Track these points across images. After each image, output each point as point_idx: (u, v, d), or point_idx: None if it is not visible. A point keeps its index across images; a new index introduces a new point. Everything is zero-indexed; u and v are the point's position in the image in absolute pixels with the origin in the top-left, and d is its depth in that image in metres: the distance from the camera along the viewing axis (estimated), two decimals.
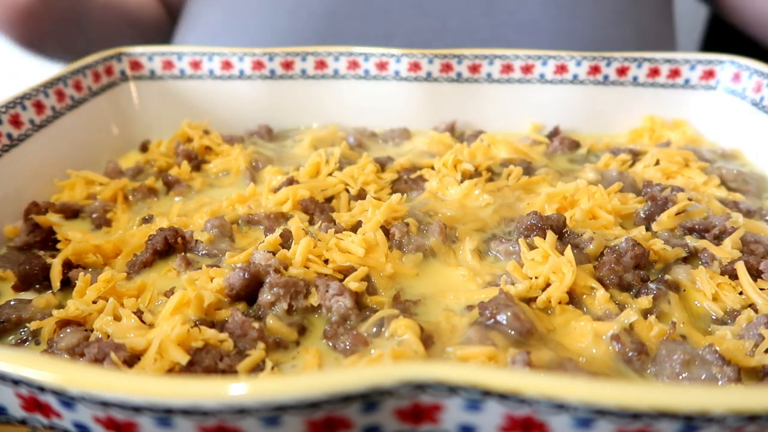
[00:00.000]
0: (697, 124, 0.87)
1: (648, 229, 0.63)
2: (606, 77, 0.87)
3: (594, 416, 0.29)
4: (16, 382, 0.32)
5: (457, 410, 0.32)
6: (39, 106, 0.72)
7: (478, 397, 0.30)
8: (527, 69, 0.87)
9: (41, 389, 0.32)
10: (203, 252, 0.61)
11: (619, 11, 1.05)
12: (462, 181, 0.71)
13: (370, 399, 0.31)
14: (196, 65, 0.88)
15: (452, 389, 0.31)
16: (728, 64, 0.84)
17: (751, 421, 0.28)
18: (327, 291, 0.53)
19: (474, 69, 0.87)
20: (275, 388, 0.30)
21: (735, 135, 0.83)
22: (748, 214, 0.66)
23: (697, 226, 0.62)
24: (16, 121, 0.69)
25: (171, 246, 0.61)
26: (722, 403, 0.28)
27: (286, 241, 0.60)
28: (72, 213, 0.69)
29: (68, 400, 0.32)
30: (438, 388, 0.31)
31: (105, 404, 0.31)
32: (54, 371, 0.31)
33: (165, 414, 0.30)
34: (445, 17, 1.02)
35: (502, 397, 0.30)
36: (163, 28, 1.23)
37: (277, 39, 1.01)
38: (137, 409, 0.31)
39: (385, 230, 0.61)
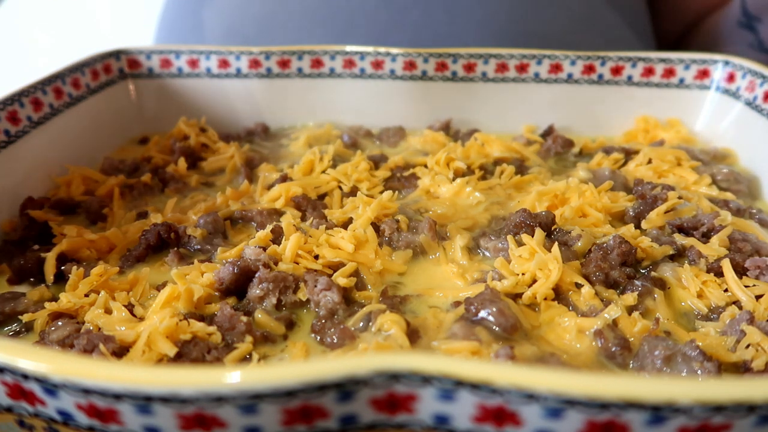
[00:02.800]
0: (691, 124, 0.87)
1: (638, 227, 0.64)
2: (600, 76, 0.87)
3: (563, 406, 0.30)
4: (0, 370, 0.33)
5: (432, 400, 0.32)
6: (37, 104, 0.73)
7: (450, 387, 0.31)
8: (522, 68, 0.87)
9: (25, 377, 0.32)
10: (196, 247, 0.62)
11: (587, 15, 1.04)
12: (454, 179, 0.71)
13: (345, 388, 0.31)
14: (193, 63, 0.89)
15: (426, 379, 0.31)
16: (722, 64, 0.84)
17: (717, 412, 0.29)
18: (315, 286, 0.53)
19: (469, 68, 0.87)
20: (251, 377, 0.30)
21: (728, 135, 0.83)
22: (738, 212, 0.66)
23: (685, 224, 0.62)
24: (13, 118, 0.70)
25: (164, 241, 0.62)
26: (688, 394, 0.29)
27: (278, 237, 0.61)
28: (68, 208, 0.69)
29: (51, 388, 0.32)
30: (412, 378, 0.31)
31: (86, 392, 0.32)
32: (36, 359, 0.32)
33: (144, 401, 0.31)
34: (406, 10, 1.01)
35: (474, 387, 0.30)
36: None
37: None
38: (118, 397, 0.31)
39: (376, 227, 0.62)
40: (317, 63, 0.89)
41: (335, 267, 0.56)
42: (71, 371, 0.31)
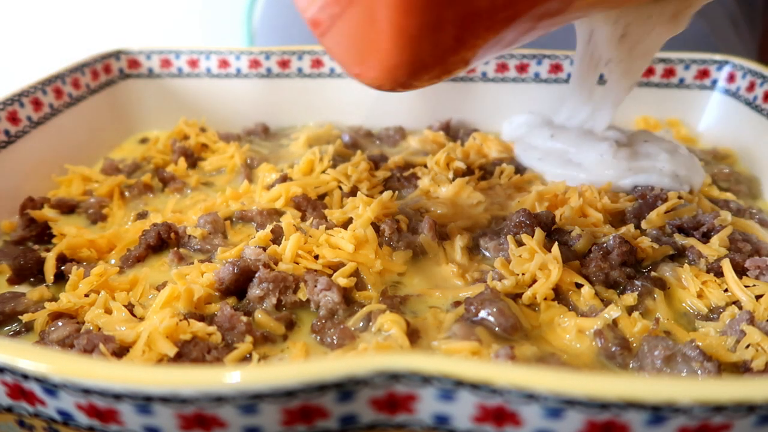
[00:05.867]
0: (691, 124, 0.88)
1: (638, 227, 0.64)
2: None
3: (563, 406, 0.30)
4: (0, 370, 0.33)
5: (432, 400, 0.32)
6: (37, 104, 0.73)
7: (450, 387, 0.31)
8: (522, 68, 0.87)
9: (25, 377, 0.32)
10: (196, 247, 0.62)
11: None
12: (454, 179, 0.71)
13: (345, 388, 0.31)
14: (193, 63, 0.89)
15: (426, 379, 0.31)
16: (722, 64, 0.84)
17: (717, 412, 0.29)
18: (315, 286, 0.53)
19: None
20: (251, 377, 0.30)
21: (729, 135, 0.83)
22: (738, 212, 0.66)
23: (685, 224, 0.62)
24: (13, 118, 0.70)
25: (164, 241, 0.62)
26: (688, 394, 0.29)
27: (278, 237, 0.61)
28: (68, 208, 0.70)
29: (51, 388, 0.32)
30: (412, 378, 0.31)
31: (86, 392, 0.32)
32: (36, 359, 0.32)
33: (144, 401, 0.31)
34: None
35: (474, 387, 0.30)
36: None
37: None
38: (118, 397, 0.31)
39: (376, 227, 0.62)
40: (317, 63, 0.89)
41: (335, 267, 0.56)
42: (71, 371, 0.31)
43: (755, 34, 1.15)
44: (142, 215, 0.68)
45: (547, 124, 0.79)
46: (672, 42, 1.00)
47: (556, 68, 0.87)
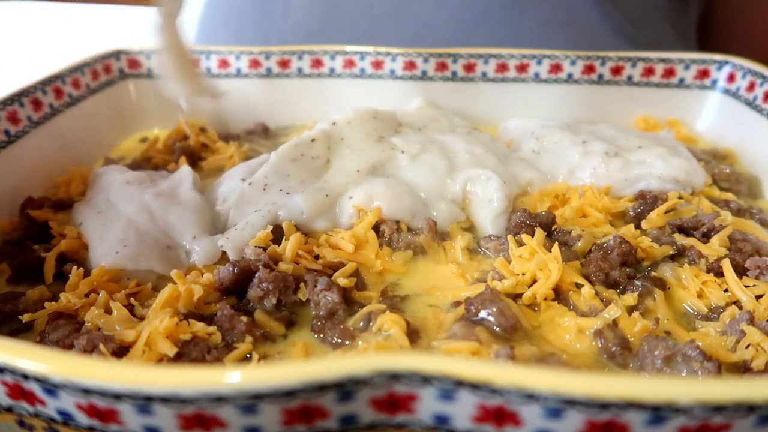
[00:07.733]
0: (691, 124, 0.88)
1: (638, 227, 0.64)
2: (600, 76, 0.87)
3: (563, 406, 0.30)
4: (0, 370, 0.33)
5: (431, 400, 0.32)
6: (37, 104, 0.73)
7: (450, 387, 0.31)
8: (522, 68, 0.87)
9: (25, 377, 0.32)
10: None
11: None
12: None
13: (345, 388, 0.31)
14: (193, 64, 0.88)
15: (426, 379, 0.31)
16: (722, 64, 0.84)
17: (717, 412, 0.29)
18: (315, 286, 0.53)
19: (469, 68, 0.87)
20: (251, 377, 0.30)
21: (729, 134, 0.83)
22: (738, 212, 0.66)
23: (685, 224, 0.62)
24: (14, 118, 0.69)
25: None
26: (688, 394, 0.29)
27: (278, 237, 0.61)
28: (68, 208, 0.69)
29: (51, 388, 0.32)
30: (412, 378, 0.31)
31: (86, 392, 0.32)
32: (36, 359, 0.32)
33: (144, 401, 0.31)
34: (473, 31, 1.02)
35: (474, 387, 0.30)
36: None
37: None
38: (118, 397, 0.31)
39: (376, 228, 0.62)
40: (317, 63, 0.89)
41: (335, 267, 0.56)
42: (71, 371, 0.31)
43: (689, 11, 1.11)
44: None
45: (533, 136, 0.79)
46: (570, 35, 0.99)
47: (556, 68, 0.87)
